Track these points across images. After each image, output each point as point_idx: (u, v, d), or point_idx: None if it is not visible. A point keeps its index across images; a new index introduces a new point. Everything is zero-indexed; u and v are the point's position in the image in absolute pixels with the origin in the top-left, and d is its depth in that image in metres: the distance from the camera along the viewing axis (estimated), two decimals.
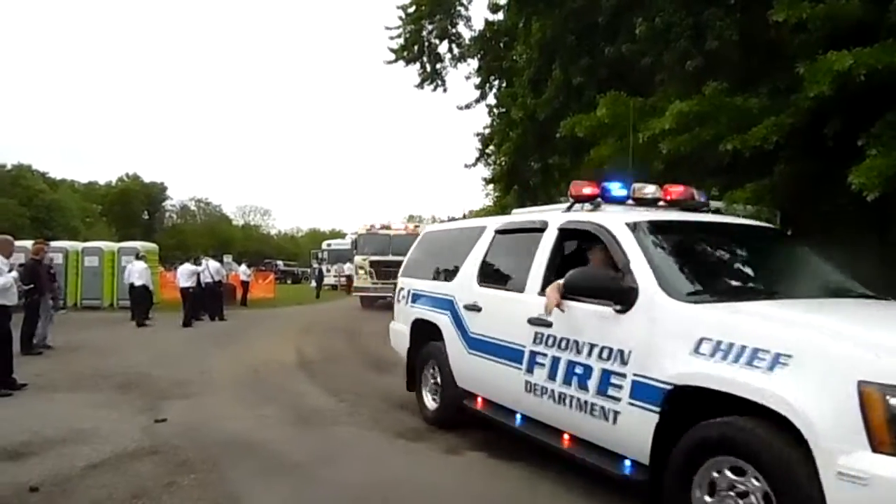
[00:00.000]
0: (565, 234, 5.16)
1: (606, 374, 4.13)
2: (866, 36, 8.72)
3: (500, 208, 34.37)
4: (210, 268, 18.86)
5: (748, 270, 5.10)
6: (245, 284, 25.47)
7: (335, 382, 8.99)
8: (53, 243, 22.60)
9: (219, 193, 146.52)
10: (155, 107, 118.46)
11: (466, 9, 19.69)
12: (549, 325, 4.70)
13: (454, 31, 19.93)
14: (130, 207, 75.19)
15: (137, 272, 17.11)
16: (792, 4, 9.14)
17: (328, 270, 38.40)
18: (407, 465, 5.43)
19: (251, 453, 5.67)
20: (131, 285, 17.33)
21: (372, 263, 22.69)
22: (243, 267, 26.81)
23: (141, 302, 17.02)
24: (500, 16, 19.47)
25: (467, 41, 19.99)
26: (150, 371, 9.62)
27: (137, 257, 18.76)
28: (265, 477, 5.09)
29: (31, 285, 10.70)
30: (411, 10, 19.33)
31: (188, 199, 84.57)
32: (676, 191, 5.45)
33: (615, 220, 4.65)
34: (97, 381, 8.89)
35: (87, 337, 13.92)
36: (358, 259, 23.56)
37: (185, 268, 17.67)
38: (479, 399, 5.85)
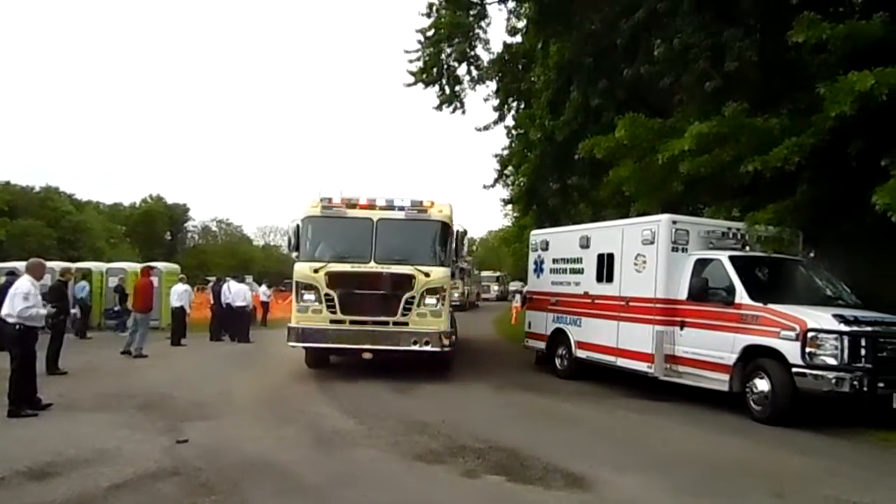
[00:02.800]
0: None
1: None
2: (887, 56, 8.66)
3: (518, 228, 34.58)
4: (232, 289, 18.97)
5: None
6: (265, 305, 25.61)
7: (354, 404, 8.99)
8: (78, 264, 23.03)
9: (240, 214, 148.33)
10: (179, 129, 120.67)
11: (485, 32, 19.87)
12: None
13: (473, 53, 20.10)
14: (154, 228, 76.29)
15: (177, 294, 17.23)
16: (811, 25, 9.14)
17: None
18: (425, 488, 5.41)
19: (271, 474, 5.68)
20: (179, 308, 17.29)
21: (333, 279, 10.84)
22: (263, 287, 26.96)
23: (178, 323, 17.09)
24: (518, 38, 19.65)
25: (486, 64, 20.14)
26: (171, 392, 9.69)
27: (178, 279, 18.73)
28: (285, 498, 5.10)
29: (56, 308, 10.87)
30: (430, 33, 19.55)
31: (210, 220, 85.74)
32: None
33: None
34: (119, 401, 8.98)
35: (107, 357, 14.04)
36: (301, 269, 11.11)
37: (178, 287, 17.59)
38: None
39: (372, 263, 10.83)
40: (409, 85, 20.39)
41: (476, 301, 42.69)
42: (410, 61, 20.13)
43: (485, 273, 56.62)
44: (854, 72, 8.51)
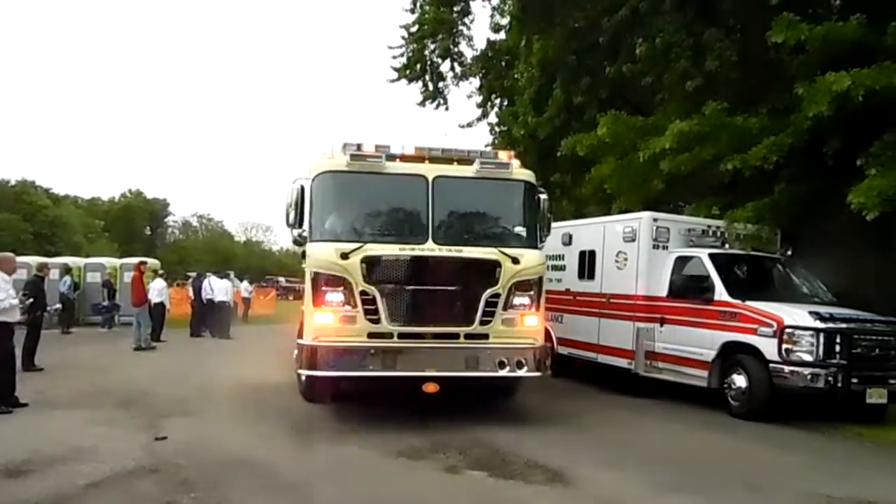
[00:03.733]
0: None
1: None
2: (864, 57, 8.81)
3: None
4: (213, 285, 18.82)
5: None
6: (246, 301, 25.47)
7: (336, 400, 8.96)
8: (54, 260, 22.75)
9: (221, 210, 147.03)
10: (158, 123, 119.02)
11: (468, 28, 19.93)
12: None
13: (456, 50, 20.16)
14: (133, 223, 75.27)
15: (157, 290, 17.06)
16: (790, 26, 9.26)
17: None
18: (407, 484, 5.42)
19: (251, 471, 5.65)
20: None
21: (375, 269, 7.22)
22: (245, 283, 26.81)
23: (157, 319, 16.93)
24: (501, 35, 19.71)
25: (469, 60, 20.21)
26: (150, 388, 9.59)
27: (157, 275, 18.64)
28: (265, 495, 5.08)
29: (27, 297, 10.74)
30: (414, 29, 19.54)
31: (190, 215, 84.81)
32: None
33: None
34: (97, 398, 8.87)
35: (86, 354, 13.89)
36: (320, 253, 7.36)
37: (157, 283, 17.49)
38: None
39: (430, 244, 7.26)
40: (393, 81, 20.38)
41: None
42: (394, 57, 20.12)
43: None
44: (832, 72, 8.64)
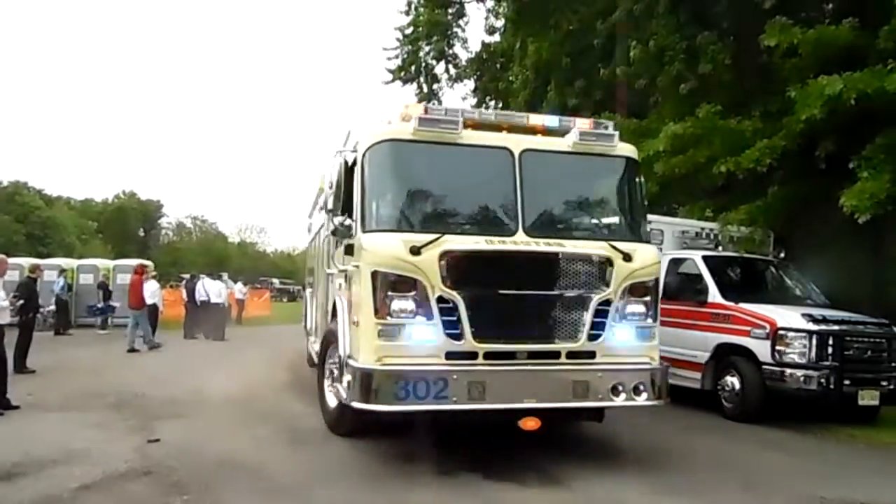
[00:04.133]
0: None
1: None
2: (856, 61, 8.86)
3: None
4: (207, 287, 18.77)
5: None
6: (240, 302, 25.40)
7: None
8: (48, 261, 22.68)
9: (215, 211, 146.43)
10: (152, 124, 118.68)
11: (463, 30, 20.04)
12: None
13: (451, 52, 20.24)
14: (126, 225, 74.98)
15: (150, 291, 17.00)
16: (783, 30, 9.32)
17: None
18: (401, 487, 5.40)
19: (245, 474, 5.63)
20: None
21: (458, 268, 5.61)
22: (239, 285, 26.73)
23: (150, 321, 16.89)
24: (496, 38, 19.76)
25: (464, 62, 20.28)
26: (143, 390, 9.55)
27: (150, 276, 18.55)
28: (259, 497, 5.06)
29: (23, 301, 10.70)
30: (409, 31, 19.58)
31: (184, 217, 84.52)
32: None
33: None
34: (90, 400, 8.82)
35: (80, 355, 13.82)
36: (382, 246, 5.67)
37: (151, 284, 17.47)
38: None
39: (520, 235, 5.80)
40: (388, 82, 20.45)
41: None
42: (389, 59, 20.19)
43: None
44: (824, 76, 8.69)
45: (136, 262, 23.93)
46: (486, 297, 5.61)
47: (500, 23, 19.23)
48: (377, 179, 5.98)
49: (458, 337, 5.53)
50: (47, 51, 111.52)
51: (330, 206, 6.28)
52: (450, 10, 19.25)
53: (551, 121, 6.45)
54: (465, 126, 5.96)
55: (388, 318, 5.49)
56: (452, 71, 20.60)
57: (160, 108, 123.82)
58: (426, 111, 5.94)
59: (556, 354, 5.79)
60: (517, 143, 6.06)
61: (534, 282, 5.75)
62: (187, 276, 22.67)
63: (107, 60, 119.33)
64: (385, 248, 5.57)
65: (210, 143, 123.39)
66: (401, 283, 5.51)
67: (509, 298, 5.68)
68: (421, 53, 20.07)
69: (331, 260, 7.11)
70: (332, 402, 6.83)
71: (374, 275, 5.54)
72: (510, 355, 5.70)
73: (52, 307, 17.95)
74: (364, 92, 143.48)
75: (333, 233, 6.47)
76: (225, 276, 23.55)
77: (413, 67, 20.25)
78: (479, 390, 5.49)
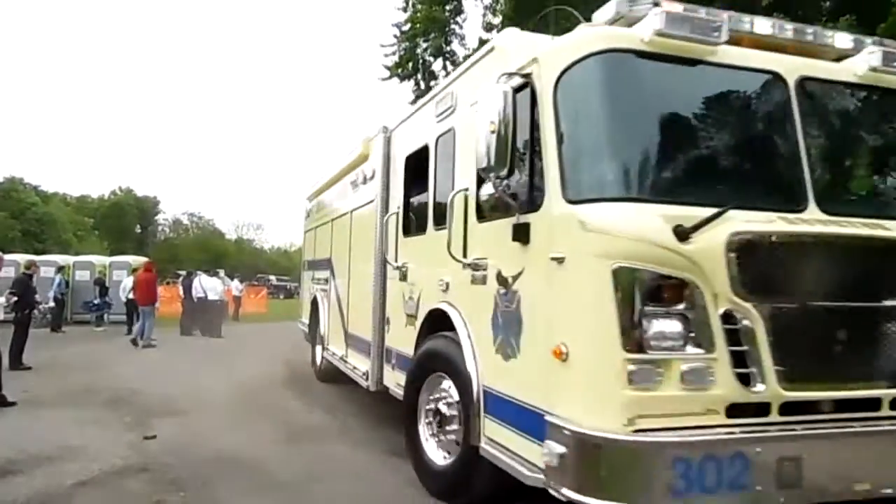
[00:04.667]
0: None
1: None
2: None
3: None
4: (203, 284, 18.75)
5: None
6: (237, 299, 25.38)
7: (326, 399, 8.94)
8: (44, 257, 22.63)
9: (212, 208, 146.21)
10: (149, 120, 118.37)
11: (460, 27, 19.97)
12: None
13: (448, 48, 20.17)
14: (123, 221, 74.79)
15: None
16: None
17: None
18: (399, 484, 5.40)
19: (241, 471, 5.62)
20: (131, 300, 17.16)
21: (750, 254, 3.35)
22: (235, 282, 26.70)
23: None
24: (494, 34, 19.69)
25: (461, 59, 20.18)
26: (139, 387, 9.53)
27: (135, 273, 18.65)
28: (255, 495, 5.05)
29: (17, 298, 10.68)
30: (406, 27, 19.53)
31: (181, 213, 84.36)
32: None
33: None
34: (86, 397, 8.81)
35: (76, 352, 13.79)
36: (619, 222, 3.37)
37: (129, 280, 17.58)
38: None
39: (812, 211, 3.68)
40: (385, 79, 20.39)
41: None
42: (386, 55, 20.13)
43: None
44: None
45: (131, 259, 24.09)
46: (794, 312, 3.43)
47: (497, 20, 19.20)
48: (587, 115, 3.67)
49: (751, 379, 3.34)
50: (44, 46, 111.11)
51: (492, 160, 3.79)
52: (447, 7, 19.20)
53: (843, 40, 4.19)
54: (734, 39, 3.82)
55: (647, 350, 3.27)
56: (450, 68, 20.56)
57: (157, 103, 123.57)
58: (667, 15, 3.54)
59: (875, 404, 3.57)
60: (791, 67, 3.88)
61: (866, 287, 3.60)
62: (184, 272, 22.63)
63: (104, 56, 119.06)
64: (634, 229, 3.35)
65: (207, 139, 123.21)
66: (666, 290, 3.33)
67: (825, 314, 3.49)
68: (418, 50, 20.01)
69: (387, 247, 6.26)
70: (436, 457, 5.01)
71: (619, 275, 3.30)
72: (815, 407, 3.49)
73: (51, 304, 17.94)
74: (361, 88, 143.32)
75: (495, 207, 4.27)
76: (222, 272, 23.54)
77: (410, 64, 20.19)
78: (794, 473, 3.27)
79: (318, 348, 10.11)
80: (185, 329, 18.37)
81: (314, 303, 10.44)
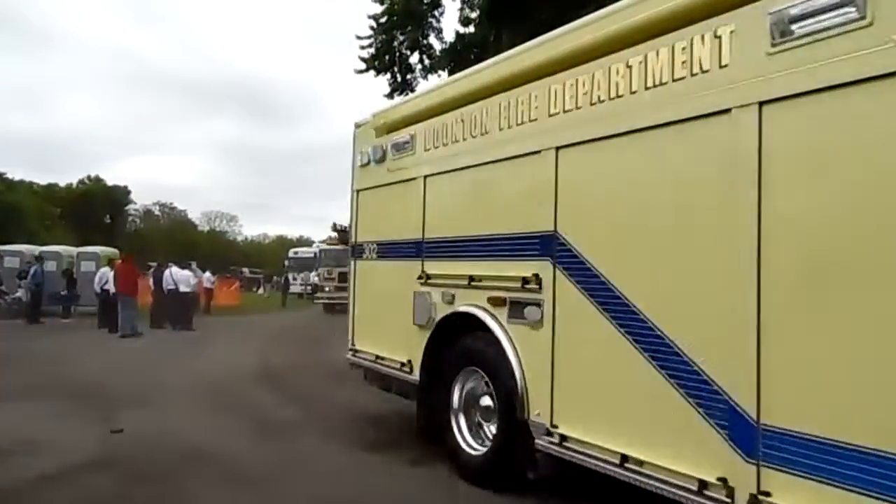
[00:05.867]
0: None
1: None
2: None
3: None
4: (174, 275, 18.50)
5: None
6: (209, 292, 25.10)
7: (297, 393, 8.90)
8: (9, 247, 22.15)
9: (184, 199, 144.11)
10: (121, 108, 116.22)
11: (438, 21, 19.87)
12: None
13: (425, 42, 20.08)
14: (92, 211, 73.35)
15: (112, 279, 16.78)
16: None
17: (294, 279, 38.39)
18: (371, 477, 5.40)
19: (209, 465, 5.57)
20: (105, 291, 16.93)
21: None
22: (207, 274, 26.40)
23: (114, 310, 16.65)
24: (471, 28, 19.67)
25: (438, 53, 20.13)
26: (106, 380, 9.40)
27: (111, 265, 18.44)
28: (223, 488, 5.01)
29: None
30: (383, 20, 19.40)
31: (152, 204, 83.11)
32: None
33: None
34: (51, 390, 8.65)
35: (42, 344, 13.53)
36: None
37: (104, 272, 17.55)
38: None
39: None
40: (361, 71, 20.20)
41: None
42: (362, 47, 19.94)
43: None
44: None
45: (99, 249, 23.70)
46: None
47: (474, 14, 19.17)
48: None
49: None
50: (14, 28, 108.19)
51: None
52: (425, 0, 19.13)
53: None
54: None
55: None
56: (427, 61, 20.48)
57: (129, 90, 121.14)
58: None
59: None
60: None
61: None
62: (154, 264, 22.31)
63: (73, 39, 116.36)
64: None
65: (180, 128, 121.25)
66: None
67: None
68: (395, 43, 19.91)
69: None
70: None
71: None
72: None
73: (19, 294, 17.72)
74: (337, 81, 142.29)
75: None
76: (194, 264, 23.24)
77: (387, 57, 20.07)
78: None
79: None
80: (155, 321, 18.13)
81: (441, 330, 5.57)
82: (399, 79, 20.28)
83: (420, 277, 5.73)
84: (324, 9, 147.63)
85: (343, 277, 22.25)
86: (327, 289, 24.66)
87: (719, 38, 3.38)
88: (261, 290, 38.48)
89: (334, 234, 24.53)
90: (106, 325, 16.48)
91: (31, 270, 18.39)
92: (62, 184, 75.79)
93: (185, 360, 11.85)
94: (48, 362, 11.15)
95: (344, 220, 20.75)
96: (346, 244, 20.68)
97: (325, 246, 26.30)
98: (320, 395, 8.87)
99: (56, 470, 5.27)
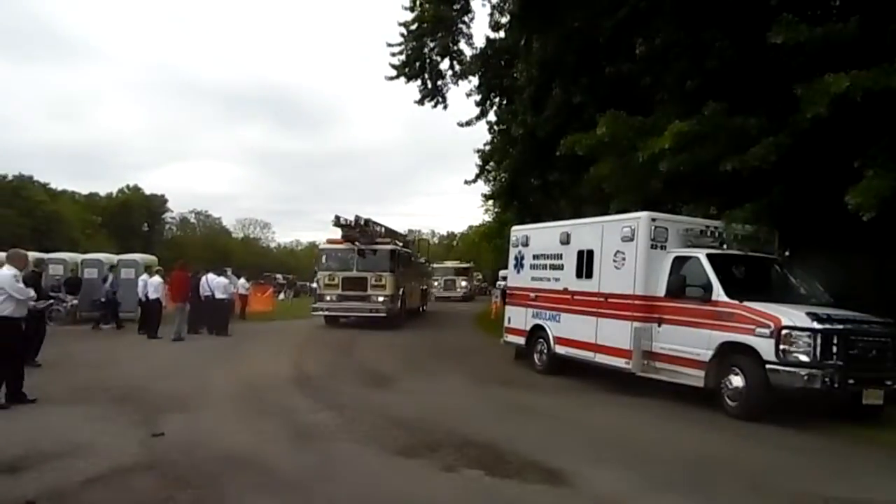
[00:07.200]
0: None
1: None
2: (863, 58, 8.80)
3: (499, 224, 34.69)
4: (210, 282, 18.82)
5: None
6: (244, 298, 25.43)
7: (333, 398, 8.96)
8: (53, 255, 22.80)
9: (218, 205, 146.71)
10: (157, 117, 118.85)
11: (468, 27, 19.91)
12: None
13: (455, 48, 20.14)
14: (130, 219, 75.36)
15: (153, 287, 17.20)
16: (790, 26, 9.24)
17: None
18: (404, 482, 5.42)
19: (249, 469, 5.64)
20: (146, 298, 17.36)
21: None
22: (241, 280, 26.75)
23: (153, 316, 17.08)
24: (501, 34, 19.67)
25: (468, 59, 20.17)
26: (147, 385, 9.58)
27: (148, 271, 19.14)
28: (263, 492, 5.08)
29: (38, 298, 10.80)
30: (413, 27, 19.50)
31: (188, 212, 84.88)
32: None
33: None
34: (94, 394, 8.85)
35: (84, 349, 13.87)
36: None
37: (154, 279, 17.78)
38: None
39: None
40: (392, 78, 20.34)
41: (423, 305, 28.46)
42: (393, 54, 20.08)
43: (448, 263, 44.62)
44: (830, 73, 8.64)
45: (139, 257, 24.27)
46: None
47: (505, 19, 19.16)
48: None
49: None
50: (53, 42, 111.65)
51: None
52: (455, 6, 19.16)
53: None
54: None
55: None
56: (457, 67, 20.51)
57: (166, 99, 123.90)
58: None
59: None
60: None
61: None
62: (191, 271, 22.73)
63: (112, 52, 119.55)
64: None
65: (215, 136, 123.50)
66: None
67: None
68: (425, 49, 19.99)
69: None
70: None
71: None
72: None
73: (73, 300, 19.03)
74: (364, 87, 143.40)
75: None
76: (229, 271, 23.56)
77: (417, 64, 20.16)
78: None
79: None
80: (192, 327, 18.43)
81: None
82: (429, 85, 20.36)
83: None
84: (352, 17, 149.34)
85: (349, 284, 19.82)
86: (328, 298, 20.20)
87: None
88: (282, 296, 38.54)
89: (337, 235, 20.16)
90: (145, 330, 16.86)
91: (108, 278, 19.63)
92: (102, 193, 77.95)
93: (222, 366, 12.03)
94: (90, 367, 11.41)
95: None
96: (352, 242, 20.38)
97: (326, 246, 21.21)
98: (354, 399, 8.92)
99: (100, 472, 5.39)
